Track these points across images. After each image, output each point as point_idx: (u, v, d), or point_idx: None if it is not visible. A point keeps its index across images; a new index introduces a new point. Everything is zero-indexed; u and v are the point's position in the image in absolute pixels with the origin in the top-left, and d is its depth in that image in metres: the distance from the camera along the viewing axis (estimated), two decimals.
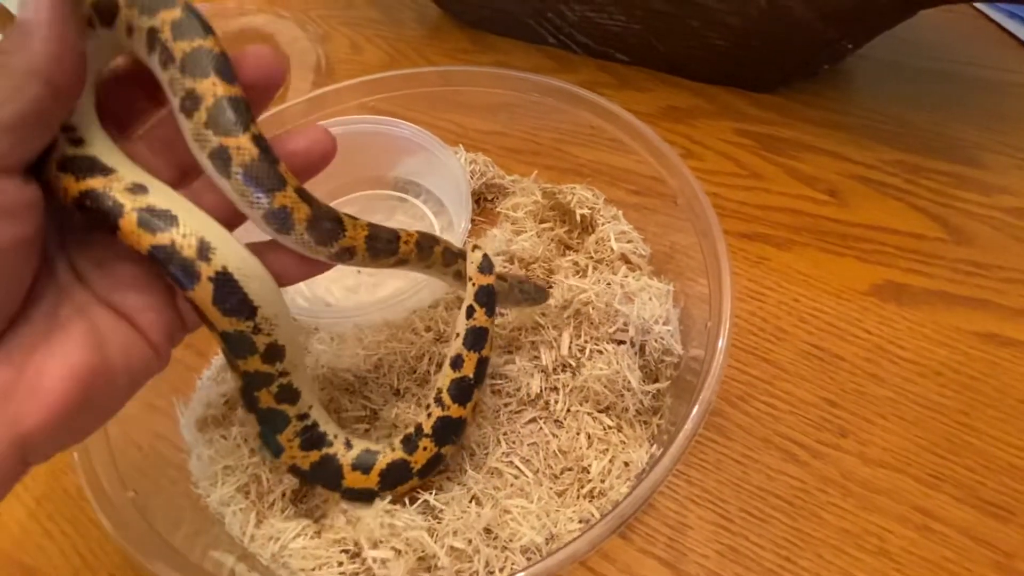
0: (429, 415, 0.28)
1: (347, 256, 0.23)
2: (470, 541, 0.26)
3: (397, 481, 0.27)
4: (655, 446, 0.30)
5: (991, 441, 0.30)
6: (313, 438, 0.26)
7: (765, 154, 0.44)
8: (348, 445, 0.27)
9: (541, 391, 0.32)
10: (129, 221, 0.18)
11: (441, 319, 0.34)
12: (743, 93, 0.48)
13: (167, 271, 0.19)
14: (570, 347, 0.33)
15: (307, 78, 0.54)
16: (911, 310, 0.35)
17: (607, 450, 0.30)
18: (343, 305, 0.36)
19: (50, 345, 0.18)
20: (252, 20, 0.62)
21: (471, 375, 0.28)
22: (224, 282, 0.20)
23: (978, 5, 0.51)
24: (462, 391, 0.28)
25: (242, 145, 0.19)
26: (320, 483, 0.27)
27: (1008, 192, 0.40)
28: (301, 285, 0.38)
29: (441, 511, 0.28)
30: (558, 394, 0.32)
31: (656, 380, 0.32)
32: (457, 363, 0.28)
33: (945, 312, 0.35)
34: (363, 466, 0.27)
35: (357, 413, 0.31)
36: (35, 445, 0.17)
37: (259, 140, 0.19)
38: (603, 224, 0.38)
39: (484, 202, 0.43)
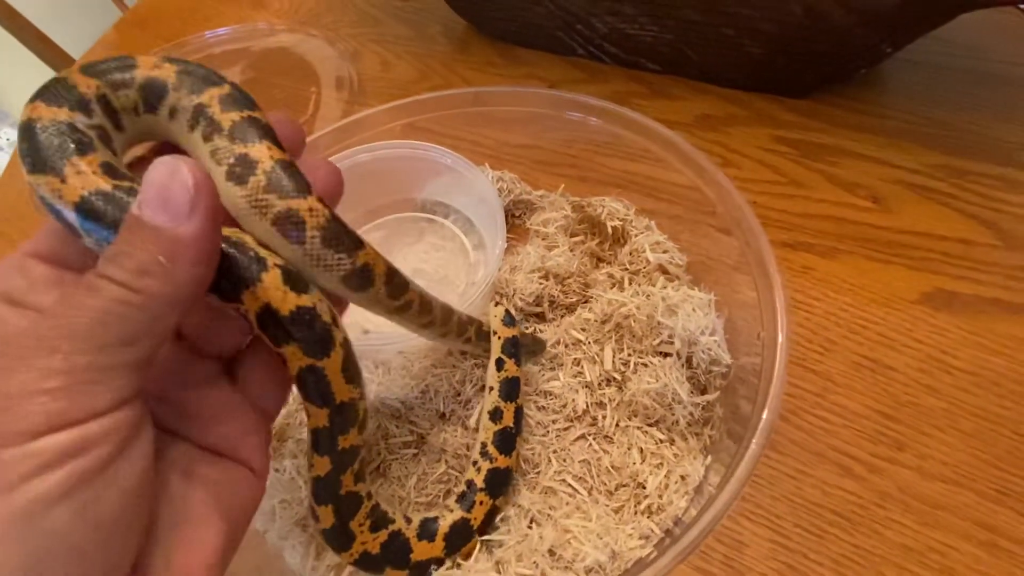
0: (479, 469, 0.29)
1: (407, 309, 0.23)
2: (536, 564, 0.26)
3: (460, 542, 0.27)
4: (709, 457, 0.30)
5: None
6: (379, 517, 0.25)
7: (804, 161, 0.43)
8: (407, 519, 0.27)
9: (588, 407, 0.32)
10: (274, 276, 0.18)
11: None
12: (777, 99, 0.47)
13: (302, 335, 0.18)
14: (614, 361, 0.33)
15: (339, 96, 0.55)
16: (964, 319, 0.34)
17: (661, 464, 0.30)
18: (382, 331, 0.37)
19: (185, 537, 0.17)
20: (283, 40, 0.63)
21: (512, 425, 0.30)
22: (348, 348, 0.20)
23: None
24: (505, 441, 0.29)
25: (314, 207, 0.18)
26: (389, 564, 0.26)
27: None
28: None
29: (499, 543, 0.28)
30: (605, 409, 0.32)
31: (705, 391, 0.32)
32: (496, 416, 0.30)
33: (1000, 320, 0.34)
34: (428, 534, 0.27)
35: (405, 439, 0.32)
36: None
37: (325, 203, 0.19)
38: (636, 235, 0.37)
39: (512, 219, 0.43)
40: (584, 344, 0.34)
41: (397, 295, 0.22)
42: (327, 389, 0.20)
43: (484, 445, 0.29)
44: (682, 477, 0.29)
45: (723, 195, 0.33)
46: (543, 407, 0.33)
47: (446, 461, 0.31)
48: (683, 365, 0.31)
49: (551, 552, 0.27)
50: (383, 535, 0.25)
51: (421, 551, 0.26)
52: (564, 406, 0.33)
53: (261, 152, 0.18)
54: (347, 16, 0.64)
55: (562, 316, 0.36)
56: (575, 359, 0.34)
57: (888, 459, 0.30)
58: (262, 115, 0.19)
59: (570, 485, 0.30)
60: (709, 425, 0.31)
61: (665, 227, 0.38)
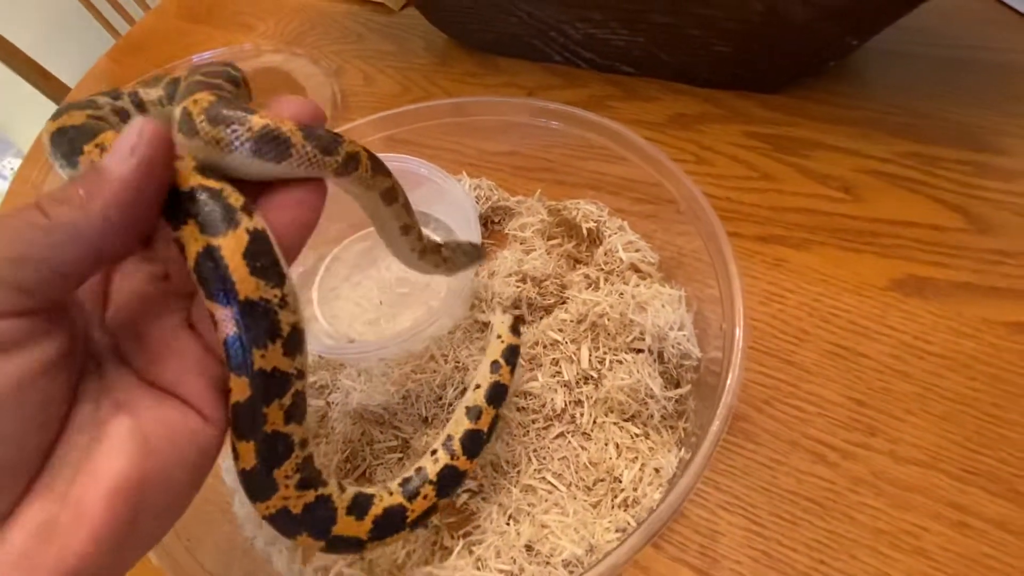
0: (436, 460, 0.27)
1: (352, 166, 0.20)
2: (514, 560, 0.27)
3: (388, 530, 0.24)
4: (683, 449, 0.31)
5: None
6: (311, 474, 0.21)
7: (776, 155, 0.44)
8: (341, 487, 0.23)
9: (566, 405, 0.33)
10: (186, 166, 0.17)
11: (457, 346, 0.35)
12: (751, 95, 0.48)
13: (197, 211, 0.17)
14: (590, 360, 0.34)
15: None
16: (935, 304, 0.34)
17: (636, 458, 0.31)
18: (367, 339, 0.38)
19: (91, 462, 0.16)
20: (269, 60, 0.65)
21: (485, 430, 0.28)
22: (262, 242, 0.17)
23: None
24: (474, 444, 0.28)
25: (198, 98, 0.18)
26: (306, 530, 0.21)
27: None
28: (324, 323, 0.39)
29: (479, 540, 0.28)
30: (583, 407, 0.33)
31: (678, 385, 0.32)
32: (473, 415, 0.28)
33: (971, 304, 0.34)
34: (358, 510, 0.23)
35: (389, 443, 0.33)
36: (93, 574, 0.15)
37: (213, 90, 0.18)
38: (610, 236, 0.38)
39: (492, 224, 0.44)
40: (561, 344, 0.35)
41: (331, 150, 0.19)
42: (226, 277, 0.17)
43: (450, 438, 0.27)
44: (656, 470, 0.30)
45: (682, 190, 0.33)
46: (523, 408, 0.34)
47: None
48: (655, 360, 0.32)
49: (528, 547, 0.28)
50: (310, 495, 0.21)
51: (345, 526, 0.22)
52: (543, 406, 0.33)
53: (200, 98, 0.18)
54: (331, 34, 0.66)
55: (540, 318, 0.37)
56: (553, 359, 0.35)
57: (861, 445, 0.30)
58: (223, 84, 0.19)
59: (549, 482, 0.31)
60: (683, 418, 0.32)
61: (638, 226, 0.39)
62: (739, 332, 0.27)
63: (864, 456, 0.30)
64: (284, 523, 0.21)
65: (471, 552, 0.29)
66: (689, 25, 0.43)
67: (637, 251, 0.37)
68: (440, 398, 0.34)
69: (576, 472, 0.31)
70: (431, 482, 0.26)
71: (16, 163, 1.39)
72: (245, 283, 0.17)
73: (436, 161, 0.40)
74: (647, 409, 0.31)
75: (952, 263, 0.36)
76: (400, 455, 0.33)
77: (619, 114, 0.49)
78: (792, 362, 0.34)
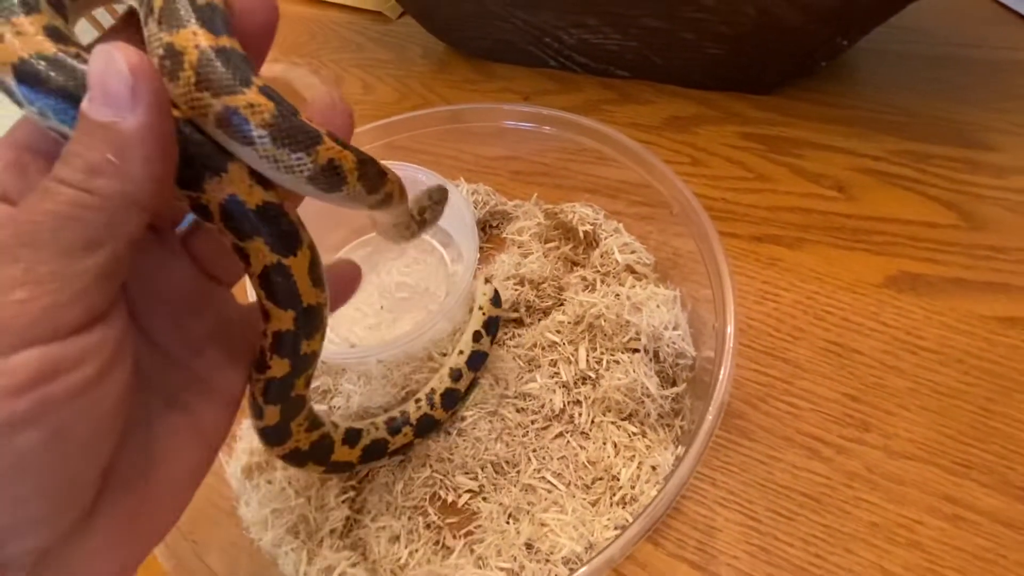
0: (419, 408, 0.32)
1: (387, 202, 0.21)
2: (514, 558, 0.27)
3: (373, 457, 0.30)
4: (680, 447, 0.31)
5: (1018, 426, 0.30)
6: (315, 419, 0.26)
7: (770, 155, 0.44)
8: (334, 425, 0.29)
9: (565, 405, 0.34)
10: (240, 168, 0.17)
11: (455, 346, 0.36)
12: (744, 96, 0.48)
13: (268, 231, 0.18)
14: (587, 360, 0.34)
15: None
16: (928, 299, 0.35)
17: (634, 456, 0.31)
18: (368, 344, 0.38)
19: (161, 460, 0.18)
20: (270, 69, 0.66)
21: (463, 390, 0.33)
22: (315, 252, 0.19)
23: None
24: (451, 400, 0.33)
25: (256, 103, 0.16)
26: (312, 460, 0.27)
27: (1022, 172, 0.40)
28: (328, 331, 0.40)
29: (480, 539, 0.29)
30: (581, 407, 0.34)
31: (674, 384, 0.33)
32: (455, 376, 0.33)
33: (963, 299, 0.35)
34: (350, 441, 0.29)
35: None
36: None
37: (270, 92, 0.16)
38: (606, 238, 0.39)
39: (490, 229, 0.44)
40: (560, 345, 0.36)
41: (376, 188, 0.19)
42: (293, 289, 0.19)
43: (432, 392, 0.32)
44: (653, 467, 0.30)
45: (675, 192, 0.34)
46: (522, 409, 0.34)
47: (430, 466, 0.32)
48: (651, 360, 0.33)
49: (528, 545, 0.28)
50: (315, 435, 0.26)
51: (341, 454, 0.28)
52: (542, 406, 0.34)
53: (186, 39, 0.15)
54: (330, 43, 0.67)
55: (538, 320, 0.38)
56: (551, 360, 0.35)
57: (855, 440, 0.31)
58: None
59: (549, 481, 0.31)
60: (680, 416, 0.32)
61: (634, 228, 0.40)
62: (730, 330, 0.27)
63: (858, 451, 0.30)
64: (295, 458, 0.26)
65: (472, 551, 0.29)
66: (681, 29, 0.44)
67: (633, 253, 0.37)
68: None
69: (575, 471, 0.31)
70: (411, 424, 0.31)
71: None
72: (308, 294, 0.20)
73: (434, 167, 0.41)
74: (644, 408, 0.32)
75: (944, 259, 0.36)
76: (401, 457, 0.34)
77: (614, 118, 0.50)
78: (787, 359, 0.34)
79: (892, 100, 0.45)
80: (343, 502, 0.32)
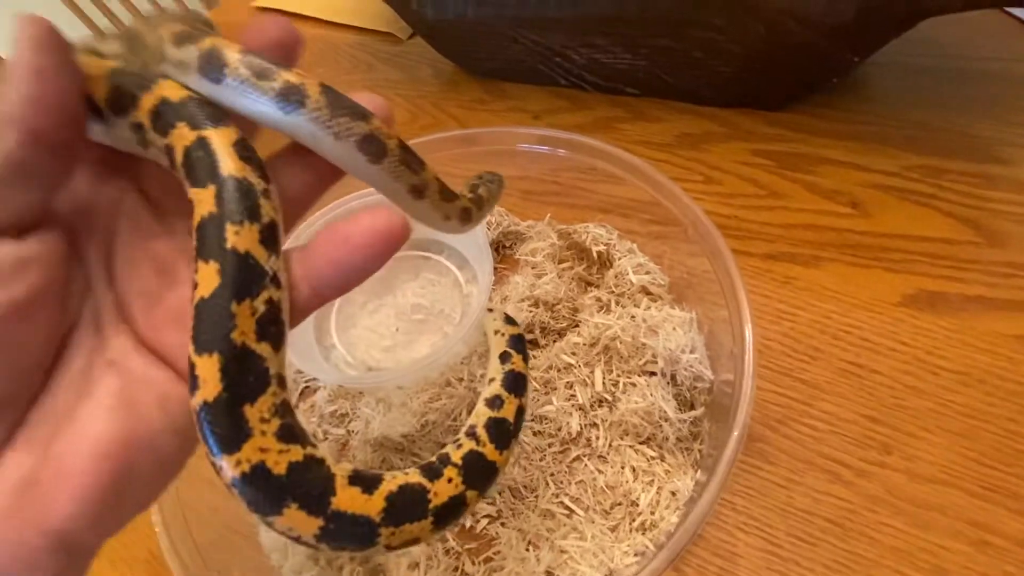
0: (459, 446, 0.22)
1: (424, 191, 0.21)
2: None
3: (407, 515, 0.18)
4: (699, 472, 0.31)
5: None
6: (295, 426, 0.17)
7: (783, 172, 0.44)
8: (336, 459, 0.21)
9: (581, 428, 0.34)
10: (169, 83, 0.17)
11: (472, 372, 0.36)
12: (755, 113, 0.48)
13: (188, 112, 0.17)
14: (604, 382, 0.34)
15: None
16: (948, 318, 0.35)
17: (653, 481, 0.31)
18: (384, 367, 0.38)
19: (77, 418, 0.16)
20: None
21: (511, 419, 0.24)
22: (245, 138, 0.18)
23: None
24: (501, 433, 0.23)
25: (305, 82, 0.17)
26: (294, 500, 0.16)
27: None
28: (344, 352, 0.40)
29: (500, 567, 0.29)
30: (598, 430, 0.33)
31: (692, 407, 0.33)
32: (495, 404, 0.25)
33: (984, 317, 0.34)
34: (364, 482, 0.17)
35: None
36: (75, 536, 0.15)
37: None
38: (620, 258, 0.39)
39: (503, 249, 0.44)
40: (575, 367, 0.36)
41: (417, 168, 0.20)
42: (212, 160, 0.16)
43: (472, 427, 0.23)
44: (672, 493, 0.30)
45: (687, 213, 0.34)
46: (539, 432, 0.34)
47: None
48: (668, 383, 0.33)
49: (548, 573, 0.28)
50: (295, 452, 0.16)
51: (348, 499, 0.17)
52: (559, 429, 0.34)
53: (306, 83, 0.17)
54: (341, 64, 0.67)
55: (553, 341, 0.38)
56: (567, 382, 0.35)
57: (877, 463, 0.30)
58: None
59: (567, 507, 0.31)
60: (698, 440, 0.32)
61: (648, 247, 0.40)
62: (749, 357, 0.27)
63: (880, 474, 0.30)
64: (263, 489, 0.15)
65: None
66: (691, 48, 0.44)
67: (647, 273, 0.37)
68: (455, 420, 0.35)
69: (593, 496, 0.31)
70: (455, 465, 0.20)
71: None
72: (230, 165, 0.17)
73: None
74: (662, 432, 0.32)
75: (964, 277, 0.36)
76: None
77: (626, 135, 0.50)
78: (805, 380, 0.34)
79: (905, 115, 0.45)
80: None
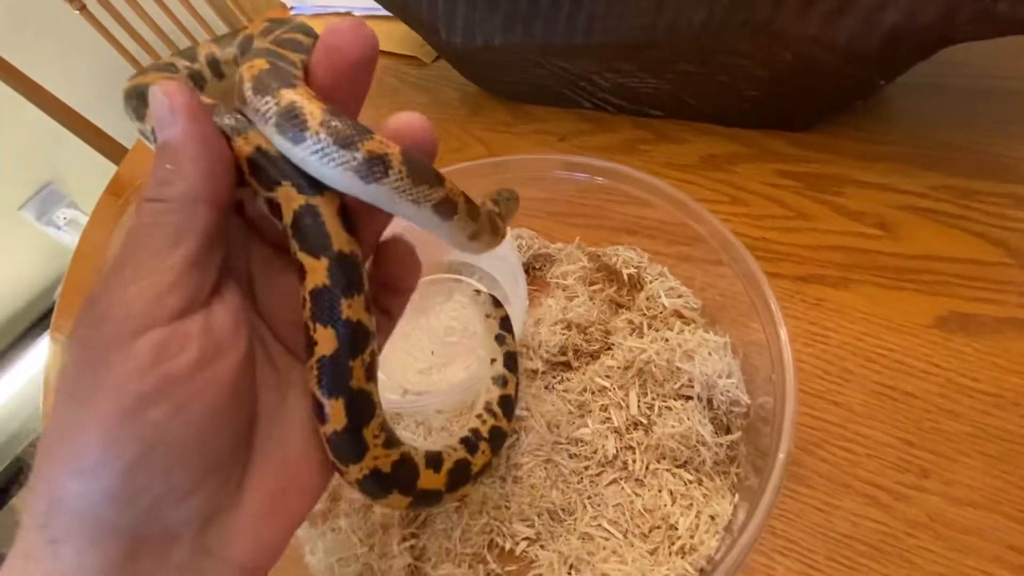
0: (484, 422, 0.30)
1: (447, 208, 0.21)
2: None
3: (459, 482, 0.26)
4: (736, 495, 0.31)
5: None
6: (390, 433, 0.22)
7: (810, 193, 0.45)
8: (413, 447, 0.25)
9: (617, 451, 0.34)
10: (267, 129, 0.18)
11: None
12: (780, 134, 0.49)
13: (294, 172, 0.18)
14: (639, 406, 0.35)
15: None
16: (981, 340, 0.35)
17: (691, 505, 0.32)
18: (421, 389, 0.39)
19: (300, 447, 0.20)
20: None
21: (513, 395, 0.32)
22: (344, 200, 0.19)
23: None
24: (507, 407, 0.31)
25: (389, 153, 0.18)
26: (396, 487, 0.22)
27: None
28: (382, 375, 0.41)
29: None
30: (634, 453, 0.34)
31: (728, 431, 0.33)
32: (501, 382, 0.32)
33: (1017, 339, 0.34)
34: (434, 464, 0.24)
35: None
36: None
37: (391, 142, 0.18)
38: (651, 281, 0.40)
39: (533, 271, 0.45)
40: (610, 390, 0.36)
41: (435, 183, 0.20)
42: (323, 232, 0.18)
43: (489, 404, 0.31)
44: (711, 517, 0.30)
45: (715, 233, 0.35)
46: (575, 455, 0.35)
47: (487, 513, 0.33)
48: (705, 407, 0.33)
49: None
50: (395, 453, 0.21)
51: (427, 479, 0.23)
52: (595, 452, 0.34)
53: (301, 96, 0.18)
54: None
55: (587, 364, 0.38)
56: (602, 405, 0.36)
57: (914, 487, 0.31)
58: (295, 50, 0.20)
59: (606, 529, 0.32)
60: (735, 464, 0.32)
61: (678, 269, 0.40)
62: (790, 387, 0.28)
63: (918, 498, 0.30)
64: (377, 484, 0.21)
65: None
66: (717, 73, 0.45)
67: (679, 297, 0.38)
68: None
69: (631, 519, 0.32)
70: (485, 439, 0.29)
71: (69, 213, 1.47)
72: (339, 239, 0.19)
73: None
74: (699, 456, 0.32)
75: (996, 298, 0.36)
76: (457, 504, 0.34)
77: (651, 157, 0.51)
78: (838, 403, 0.34)
79: (931, 135, 0.46)
80: (405, 549, 0.33)
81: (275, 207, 0.19)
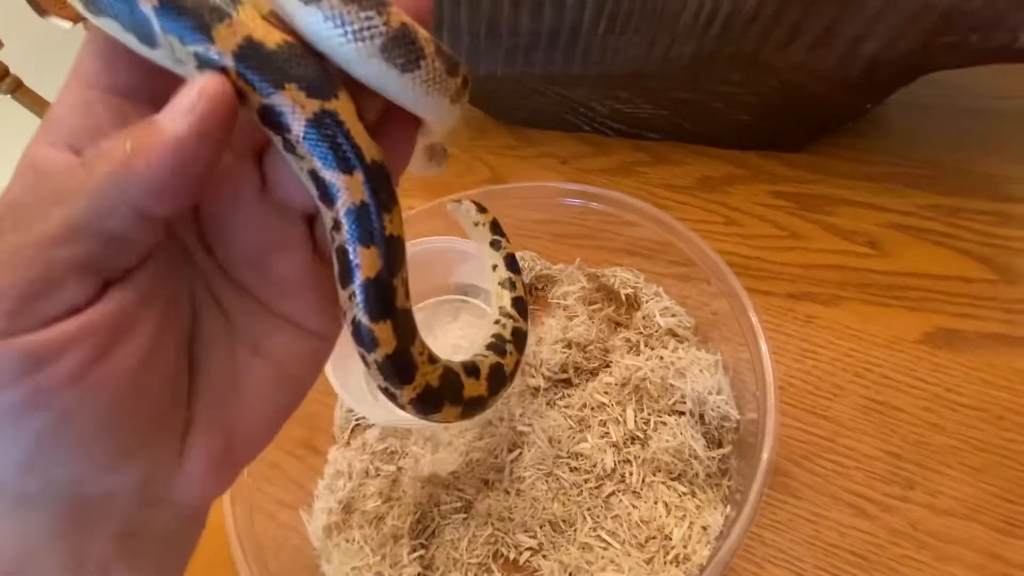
0: (504, 326, 0.29)
1: (464, 91, 0.19)
2: None
3: (498, 385, 0.25)
4: (728, 507, 0.33)
5: None
6: (428, 347, 0.21)
7: (802, 213, 0.46)
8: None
9: (616, 465, 0.36)
10: (249, 13, 0.15)
11: (512, 410, 0.39)
12: (773, 155, 0.51)
13: (298, 72, 0.15)
14: (635, 421, 0.37)
15: None
16: (966, 355, 0.36)
17: (685, 516, 0.33)
18: None
19: (243, 408, 0.18)
20: None
21: (523, 296, 0.32)
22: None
23: None
24: (521, 307, 0.31)
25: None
26: (447, 400, 0.21)
27: None
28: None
29: None
30: (631, 466, 0.36)
31: (720, 445, 0.35)
32: (509, 285, 0.32)
33: (1001, 354, 0.36)
34: (474, 372, 0.24)
35: (454, 505, 0.36)
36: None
37: None
38: (647, 301, 0.42)
39: (536, 291, 0.47)
40: (608, 406, 0.38)
41: (455, 71, 0.17)
42: (351, 142, 0.16)
43: (503, 308, 0.31)
44: (703, 527, 0.32)
45: (702, 256, 0.37)
46: (575, 468, 0.36)
47: (492, 524, 0.35)
48: (697, 422, 0.35)
49: None
50: (440, 368, 0.21)
51: (471, 388, 0.23)
52: (594, 465, 0.36)
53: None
54: None
55: (586, 381, 0.40)
56: (601, 420, 0.38)
57: (900, 497, 0.32)
58: None
59: (604, 540, 0.33)
60: (727, 476, 0.34)
61: (673, 289, 0.42)
62: (771, 403, 0.29)
63: (903, 509, 0.32)
64: (430, 400, 0.20)
65: None
66: (710, 99, 0.47)
67: (673, 316, 0.40)
68: (496, 457, 0.37)
69: (628, 530, 0.34)
70: (510, 341, 0.28)
71: None
72: (370, 147, 0.16)
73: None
74: (692, 469, 0.34)
75: (980, 314, 0.38)
76: (465, 515, 0.36)
77: (649, 179, 0.53)
78: (828, 417, 0.36)
79: (920, 154, 0.47)
80: (414, 559, 0.34)
81: (272, 116, 0.16)
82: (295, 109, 0.15)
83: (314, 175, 0.16)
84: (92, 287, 0.14)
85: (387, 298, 0.17)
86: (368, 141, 0.16)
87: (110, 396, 0.15)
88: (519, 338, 0.29)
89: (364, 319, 0.17)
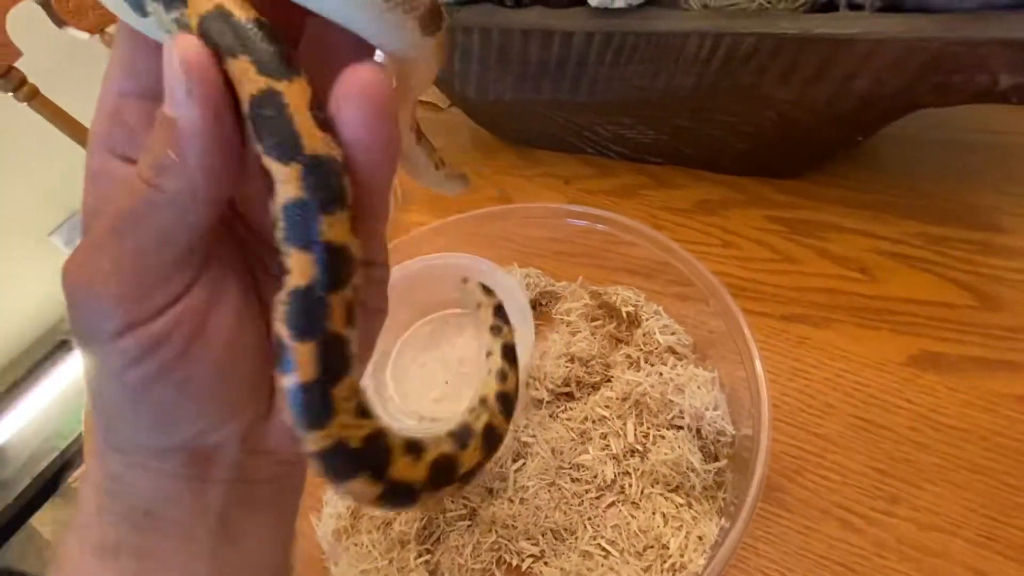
0: (477, 417, 0.23)
1: (436, 21, 0.17)
2: None
3: (442, 480, 0.19)
4: (723, 518, 0.34)
5: None
6: (363, 401, 0.17)
7: (796, 238, 0.48)
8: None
9: (615, 476, 0.38)
10: None
11: (516, 421, 0.40)
12: (770, 181, 0.53)
13: (253, 46, 0.15)
14: (635, 434, 0.38)
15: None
16: (949, 378, 0.38)
17: (681, 526, 0.35)
18: (436, 416, 0.43)
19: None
20: None
21: (512, 392, 0.25)
22: (315, 90, 0.15)
23: None
24: (507, 405, 0.25)
25: None
26: (365, 469, 0.16)
27: None
28: (399, 402, 0.44)
29: None
30: (631, 478, 0.37)
31: (716, 459, 0.36)
32: (501, 377, 0.26)
33: (983, 378, 0.38)
34: (415, 451, 0.18)
35: (459, 512, 0.37)
36: None
37: None
38: (647, 319, 0.43)
39: (540, 307, 0.49)
40: (609, 420, 0.40)
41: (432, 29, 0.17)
42: (291, 130, 0.14)
43: (484, 398, 0.24)
44: (699, 537, 0.33)
45: (700, 277, 0.38)
46: (577, 479, 0.38)
47: (496, 531, 0.36)
48: (694, 436, 0.36)
49: None
50: (368, 427, 0.16)
51: (402, 468, 0.17)
52: (595, 476, 0.38)
53: None
54: None
55: (588, 395, 0.42)
56: (602, 433, 0.39)
57: (885, 512, 0.34)
58: None
59: (604, 548, 0.35)
60: (722, 489, 0.35)
61: (672, 308, 0.44)
62: (765, 418, 0.31)
63: (888, 523, 0.33)
64: (341, 461, 0.16)
65: None
66: (709, 128, 0.49)
67: (673, 334, 0.42)
68: (501, 466, 0.39)
69: (627, 539, 0.35)
70: (479, 435, 0.22)
71: None
72: (312, 138, 0.15)
73: (486, 247, 0.46)
74: (689, 481, 0.35)
75: (963, 339, 0.40)
76: (469, 522, 0.38)
77: (650, 201, 0.55)
78: (819, 434, 0.38)
79: (909, 184, 0.49)
80: (421, 564, 0.36)
81: (229, 88, 0.15)
82: (242, 82, 0.15)
83: (258, 159, 0.15)
84: (189, 277, 0.17)
85: (315, 315, 0.15)
86: (314, 132, 0.15)
87: (211, 364, 0.17)
88: (491, 439, 0.22)
89: (283, 332, 0.15)
